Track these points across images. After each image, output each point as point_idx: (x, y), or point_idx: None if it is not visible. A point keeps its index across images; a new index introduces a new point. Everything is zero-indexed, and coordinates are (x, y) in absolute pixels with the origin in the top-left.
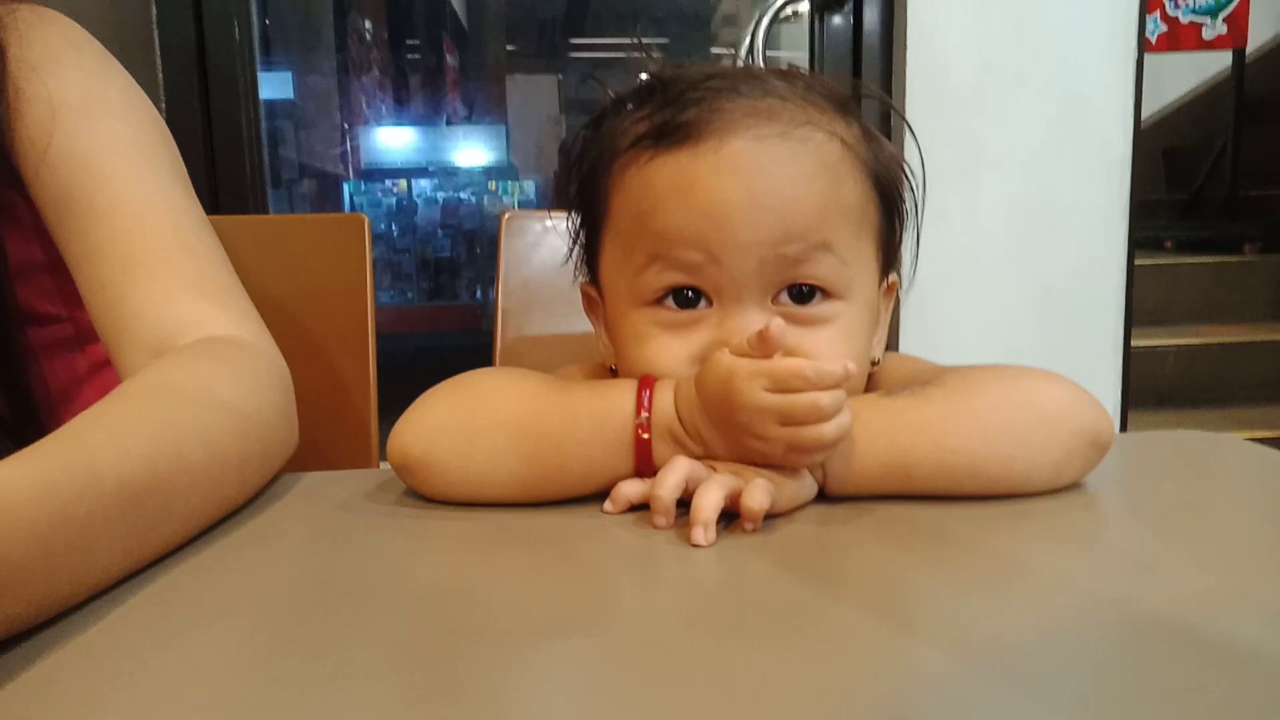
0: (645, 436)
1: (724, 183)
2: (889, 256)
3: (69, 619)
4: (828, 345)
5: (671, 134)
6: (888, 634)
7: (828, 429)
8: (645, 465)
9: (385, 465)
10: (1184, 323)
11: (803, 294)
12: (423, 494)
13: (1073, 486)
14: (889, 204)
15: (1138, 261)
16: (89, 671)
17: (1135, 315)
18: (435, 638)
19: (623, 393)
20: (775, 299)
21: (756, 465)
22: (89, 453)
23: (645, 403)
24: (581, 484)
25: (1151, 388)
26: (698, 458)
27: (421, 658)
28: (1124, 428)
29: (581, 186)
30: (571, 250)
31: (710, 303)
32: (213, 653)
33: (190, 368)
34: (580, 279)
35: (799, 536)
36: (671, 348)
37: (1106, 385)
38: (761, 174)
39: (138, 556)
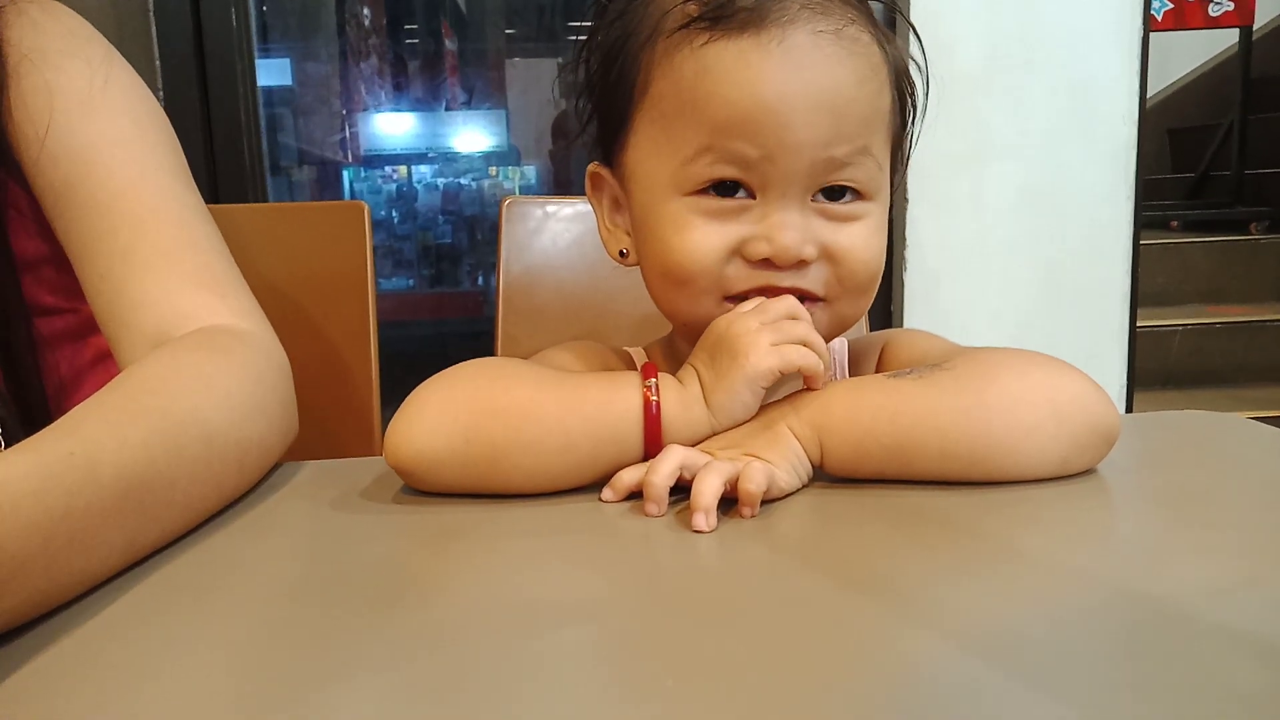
0: (655, 399)
1: (789, 79)
2: (895, 163)
3: (69, 612)
4: (861, 239)
5: (730, 18)
6: (890, 621)
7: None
8: (653, 435)
9: None
10: (1190, 303)
11: (834, 192)
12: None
13: None
14: (902, 104)
15: (1143, 242)
16: (90, 665)
17: (1141, 296)
18: (435, 628)
19: (627, 374)
20: (813, 197)
21: (751, 452)
22: (87, 445)
23: (653, 380)
24: (587, 465)
25: (1157, 368)
26: (701, 426)
27: (421, 649)
28: (1130, 408)
29: (605, 64)
30: (582, 129)
31: (752, 195)
32: (214, 646)
33: (188, 358)
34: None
35: (800, 523)
36: (711, 237)
37: (1112, 366)
38: (823, 73)
39: (138, 547)
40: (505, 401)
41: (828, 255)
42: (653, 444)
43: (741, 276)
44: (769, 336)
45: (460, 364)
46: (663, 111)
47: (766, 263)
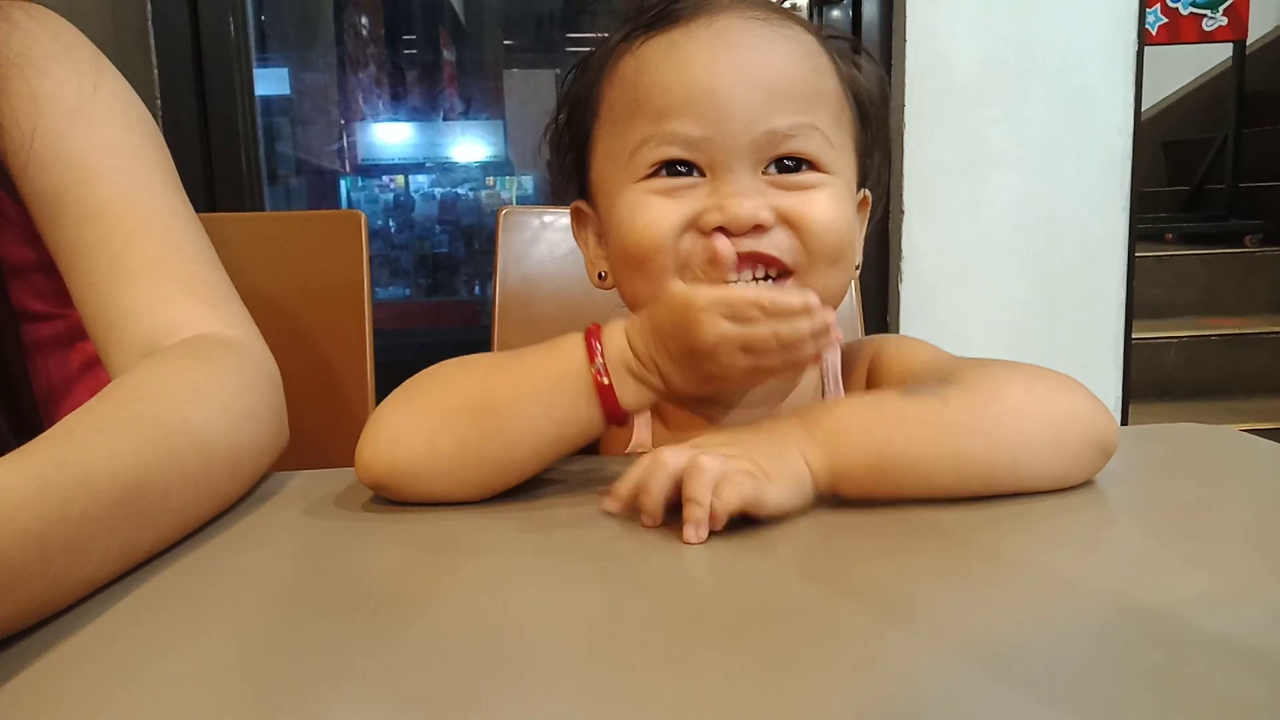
0: (606, 381)
1: (717, 56)
2: (863, 168)
3: (64, 620)
4: (820, 205)
5: (664, 19)
6: (887, 635)
7: (796, 354)
8: (613, 410)
9: None
10: (1185, 315)
11: (789, 169)
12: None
13: None
14: (864, 117)
15: (1138, 254)
16: (85, 672)
17: (1136, 308)
18: (426, 641)
19: (572, 344)
20: (764, 171)
21: (755, 460)
22: (81, 452)
23: (597, 349)
24: (555, 445)
25: (1153, 380)
26: (660, 392)
27: (412, 658)
28: (1125, 421)
29: (572, 110)
30: (559, 178)
31: (704, 176)
32: (206, 655)
33: (178, 366)
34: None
35: (798, 537)
36: (664, 211)
37: (1108, 378)
38: (752, 49)
39: (133, 554)
40: (460, 399)
41: (786, 220)
42: (613, 416)
43: (698, 250)
44: (737, 340)
45: (417, 375)
46: (614, 118)
47: (722, 233)
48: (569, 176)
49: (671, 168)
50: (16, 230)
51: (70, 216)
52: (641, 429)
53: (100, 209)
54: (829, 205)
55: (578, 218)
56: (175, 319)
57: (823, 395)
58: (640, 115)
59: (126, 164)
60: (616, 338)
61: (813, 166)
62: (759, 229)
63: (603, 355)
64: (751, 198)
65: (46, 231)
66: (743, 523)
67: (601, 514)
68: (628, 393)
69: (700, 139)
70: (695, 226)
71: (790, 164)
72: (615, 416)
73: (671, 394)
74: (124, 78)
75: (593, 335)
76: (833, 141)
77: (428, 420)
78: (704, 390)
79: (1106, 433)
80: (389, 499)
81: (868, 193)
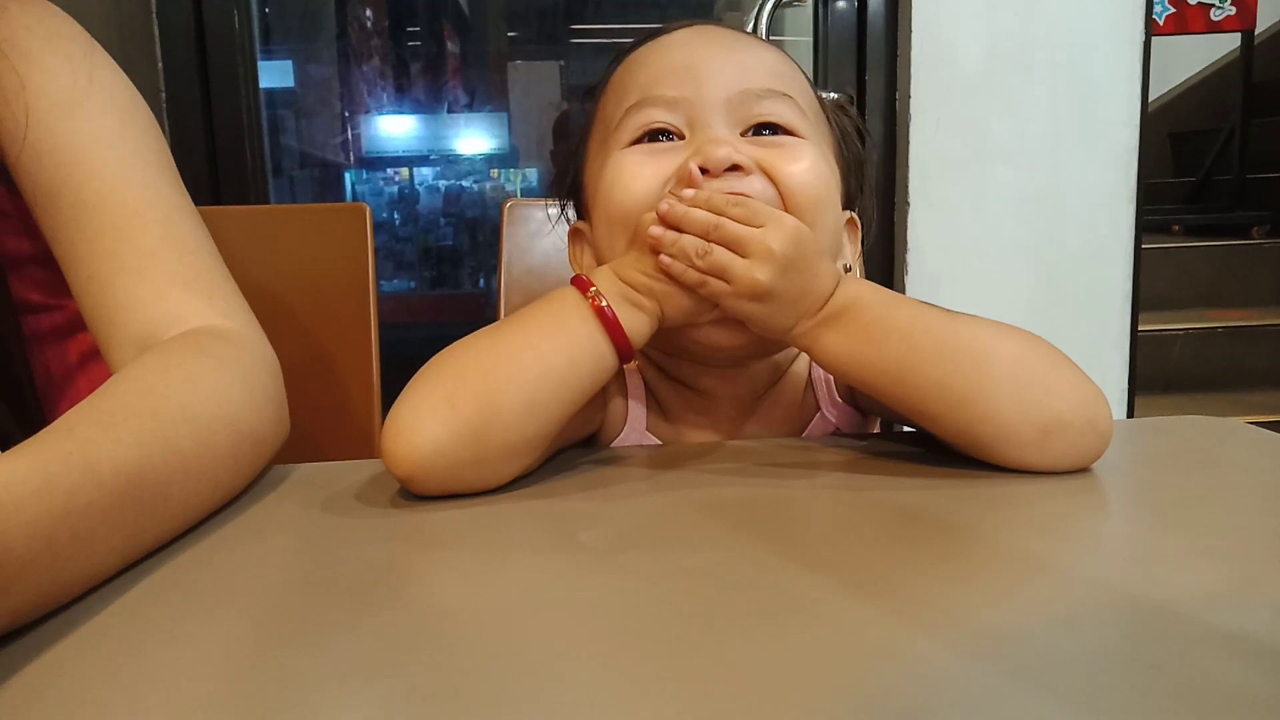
0: (604, 304)
1: (698, 44)
2: (846, 183)
3: (71, 612)
4: (800, 163)
5: (655, 34)
6: (890, 625)
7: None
8: (618, 336)
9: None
10: (1191, 307)
11: (763, 135)
12: (448, 491)
13: (1079, 473)
14: (846, 145)
15: (1144, 246)
16: (90, 667)
17: (1142, 300)
18: (431, 632)
19: (565, 289)
20: (744, 135)
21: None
22: (84, 445)
23: (588, 283)
24: (571, 383)
25: (1159, 373)
26: (659, 318)
27: (417, 653)
28: (1131, 413)
29: (574, 146)
30: (561, 205)
31: (684, 140)
32: (211, 648)
33: (176, 360)
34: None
35: (799, 526)
36: (645, 168)
37: (1113, 370)
38: (729, 37)
39: (138, 546)
40: (468, 358)
41: (764, 169)
42: (620, 343)
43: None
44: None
45: (422, 370)
46: (605, 115)
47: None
48: (566, 197)
49: (654, 137)
50: (13, 222)
51: (66, 209)
52: (638, 416)
53: (95, 202)
54: (807, 160)
55: (576, 239)
56: (172, 312)
57: (809, 378)
58: (626, 95)
59: (121, 155)
60: (604, 273)
61: (790, 134)
62: (736, 169)
63: (593, 284)
64: (730, 145)
65: (44, 224)
66: (742, 514)
67: (609, 507)
68: (627, 316)
69: (679, 99)
70: (676, 181)
71: (768, 130)
72: (621, 344)
73: (670, 321)
74: (120, 68)
75: (582, 280)
76: (809, 117)
77: (443, 386)
78: (693, 316)
79: (1096, 409)
80: (416, 492)
81: (855, 215)
